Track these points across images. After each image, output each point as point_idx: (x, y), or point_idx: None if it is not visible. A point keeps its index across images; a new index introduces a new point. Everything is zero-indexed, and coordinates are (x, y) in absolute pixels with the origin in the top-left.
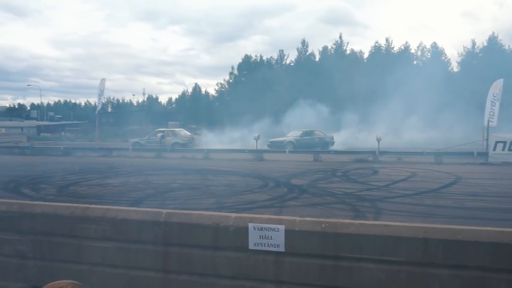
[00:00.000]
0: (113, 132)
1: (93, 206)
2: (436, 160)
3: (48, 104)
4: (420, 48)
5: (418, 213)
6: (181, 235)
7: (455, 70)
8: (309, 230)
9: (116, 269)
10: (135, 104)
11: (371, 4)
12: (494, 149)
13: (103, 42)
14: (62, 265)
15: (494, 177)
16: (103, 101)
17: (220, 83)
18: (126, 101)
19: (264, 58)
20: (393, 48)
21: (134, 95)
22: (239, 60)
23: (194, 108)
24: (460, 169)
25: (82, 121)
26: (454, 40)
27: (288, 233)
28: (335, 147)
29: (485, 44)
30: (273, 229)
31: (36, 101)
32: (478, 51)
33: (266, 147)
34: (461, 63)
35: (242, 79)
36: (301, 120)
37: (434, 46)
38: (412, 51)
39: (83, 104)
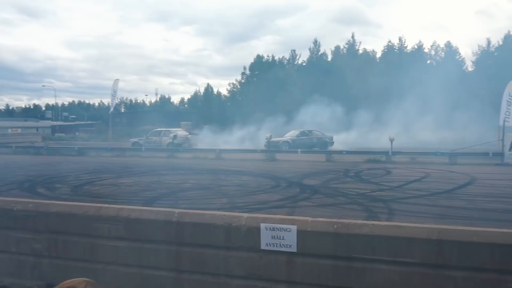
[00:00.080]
0: (126, 132)
1: (106, 205)
2: (450, 161)
3: (63, 105)
4: (434, 47)
5: (432, 214)
6: (193, 235)
7: (470, 69)
8: (321, 231)
9: (130, 268)
10: (148, 104)
11: (383, 3)
12: (510, 149)
13: (117, 43)
14: (76, 263)
15: (510, 177)
16: (117, 102)
17: (232, 83)
18: (139, 101)
19: (276, 58)
20: (406, 47)
21: (147, 95)
22: (251, 60)
23: (206, 108)
24: (475, 170)
25: (96, 121)
26: (469, 39)
27: (300, 233)
28: (335, 147)
29: (501, 43)
30: (285, 230)
31: (51, 101)
32: (493, 50)
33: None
34: (476, 62)
35: (254, 79)
36: (313, 120)
37: (448, 45)
38: (426, 50)
39: (96, 104)
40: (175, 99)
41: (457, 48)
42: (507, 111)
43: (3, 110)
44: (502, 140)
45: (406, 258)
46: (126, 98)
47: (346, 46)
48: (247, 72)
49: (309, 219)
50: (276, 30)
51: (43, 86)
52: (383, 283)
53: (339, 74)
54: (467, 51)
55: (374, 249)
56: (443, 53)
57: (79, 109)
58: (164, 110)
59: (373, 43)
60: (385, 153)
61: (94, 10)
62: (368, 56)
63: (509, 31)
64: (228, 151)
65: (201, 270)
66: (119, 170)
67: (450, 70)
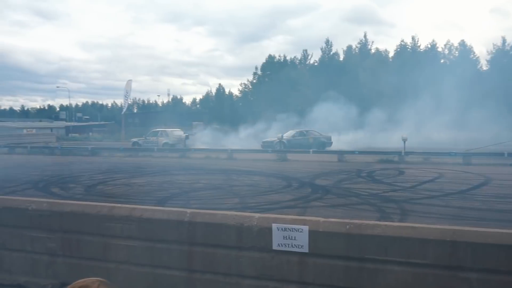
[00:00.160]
0: (139, 132)
1: (119, 205)
2: (464, 161)
3: (76, 105)
4: (448, 46)
5: (445, 215)
6: (205, 235)
7: (484, 68)
8: (333, 231)
9: (142, 268)
10: (160, 105)
11: (396, 2)
12: None
13: (129, 44)
14: (89, 262)
15: None
16: (129, 102)
17: (244, 83)
18: (151, 102)
19: (288, 58)
20: (419, 46)
21: (159, 96)
22: (262, 60)
23: (218, 108)
24: (490, 170)
25: (109, 121)
26: (483, 37)
27: (312, 234)
28: (333, 147)
29: None
30: (297, 230)
31: (65, 102)
32: (508, 48)
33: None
34: (490, 61)
35: (266, 79)
36: (325, 120)
37: (462, 44)
38: (439, 49)
39: (109, 105)
40: (187, 100)
41: (472, 47)
42: None
43: (18, 111)
44: None
45: (419, 259)
46: (139, 99)
47: (358, 45)
48: (259, 72)
49: (321, 219)
50: (288, 30)
51: (57, 87)
52: (396, 284)
53: (351, 74)
54: (481, 50)
55: (386, 250)
56: (457, 52)
57: (93, 110)
58: (176, 110)
59: (386, 43)
60: (398, 153)
61: (107, 11)
62: (380, 55)
63: None
64: (240, 151)
65: (212, 270)
66: (131, 170)
67: (464, 69)
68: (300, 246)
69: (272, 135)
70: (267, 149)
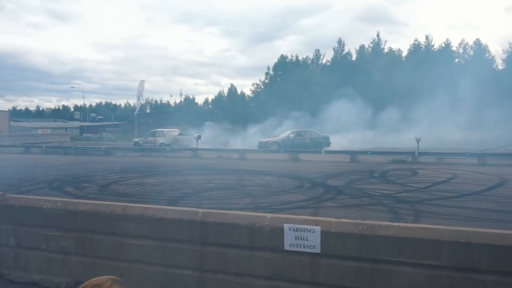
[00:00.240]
0: None
1: (132, 204)
2: (479, 161)
3: (90, 106)
4: (462, 45)
5: (460, 216)
6: (217, 235)
7: (500, 67)
8: (345, 232)
9: (154, 267)
10: (173, 105)
11: (409, 1)
12: None
13: (142, 45)
14: (103, 261)
15: None
16: (142, 102)
17: (256, 83)
18: (164, 102)
19: (300, 58)
20: (433, 45)
21: (171, 96)
22: (274, 60)
23: (230, 108)
24: (506, 171)
25: (122, 121)
26: (499, 36)
27: (324, 234)
28: (335, 147)
29: None
30: (309, 230)
31: (79, 102)
32: None
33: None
34: (506, 60)
35: (278, 79)
36: (337, 120)
37: (477, 43)
38: (454, 48)
39: (123, 105)
40: (199, 100)
41: (487, 46)
42: None
43: (34, 111)
44: None
45: (433, 261)
46: (152, 99)
47: (371, 45)
48: (271, 72)
49: (333, 220)
50: (300, 30)
51: (72, 87)
52: (409, 286)
53: (364, 74)
54: (497, 49)
55: (399, 251)
56: (472, 51)
57: (106, 110)
58: (188, 110)
59: (399, 42)
60: (411, 153)
61: (120, 12)
62: (393, 55)
63: None
64: (252, 151)
65: (224, 270)
66: (144, 170)
67: (479, 69)
68: (312, 247)
69: (272, 136)
70: (279, 150)
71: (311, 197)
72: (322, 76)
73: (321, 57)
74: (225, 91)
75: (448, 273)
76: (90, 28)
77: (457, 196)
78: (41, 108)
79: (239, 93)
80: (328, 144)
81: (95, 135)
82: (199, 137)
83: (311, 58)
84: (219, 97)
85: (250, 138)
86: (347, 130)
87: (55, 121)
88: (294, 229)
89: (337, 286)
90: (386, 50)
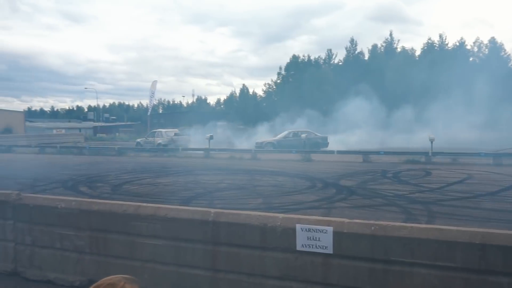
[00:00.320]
0: None
1: (144, 204)
2: (494, 162)
3: (104, 106)
4: (477, 44)
5: (474, 217)
6: (229, 235)
7: None
8: (358, 233)
9: (167, 266)
10: (185, 105)
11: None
12: None
13: (155, 46)
14: (116, 260)
15: None
16: (155, 103)
17: (268, 83)
18: (176, 102)
19: (312, 58)
20: (447, 44)
21: (184, 96)
22: (286, 60)
23: (242, 108)
24: None
25: (135, 122)
26: None
27: (337, 235)
28: (331, 147)
29: None
30: (321, 231)
31: (93, 103)
32: None
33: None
34: None
35: (290, 79)
36: (349, 119)
37: (492, 41)
38: (468, 47)
39: (135, 105)
40: (211, 100)
41: (502, 44)
42: None
43: (48, 111)
44: None
45: (447, 262)
46: (164, 99)
47: (384, 44)
48: (283, 72)
49: (346, 220)
50: (312, 29)
51: (85, 88)
52: (423, 287)
53: (377, 73)
54: None
55: (413, 252)
56: (486, 49)
57: (119, 110)
58: (200, 110)
59: (412, 41)
60: (425, 153)
61: (133, 13)
62: (407, 54)
63: None
64: (264, 152)
65: (236, 270)
66: (156, 170)
67: (494, 67)
68: (324, 247)
69: (271, 136)
70: (291, 150)
71: (323, 197)
72: (335, 76)
73: (333, 57)
74: (237, 91)
75: (462, 275)
76: (103, 29)
77: (472, 196)
78: (55, 109)
79: (251, 93)
80: (326, 144)
81: (109, 135)
82: (211, 138)
83: (323, 58)
84: (231, 97)
85: (261, 138)
86: (360, 130)
87: (69, 121)
88: (306, 229)
89: (349, 287)
90: (399, 50)
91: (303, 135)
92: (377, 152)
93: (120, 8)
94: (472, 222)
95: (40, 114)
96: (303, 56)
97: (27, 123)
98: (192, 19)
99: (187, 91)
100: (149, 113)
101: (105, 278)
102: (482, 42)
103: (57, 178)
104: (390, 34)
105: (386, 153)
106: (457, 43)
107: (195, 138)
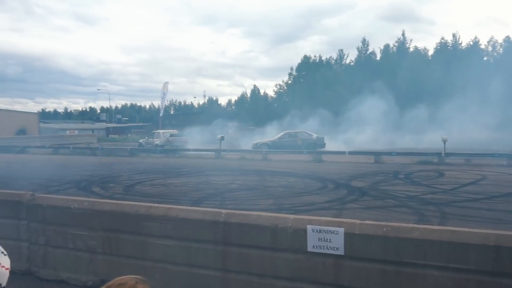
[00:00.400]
0: None
1: (156, 205)
2: (508, 162)
3: (116, 107)
4: (491, 43)
5: (488, 219)
6: (240, 235)
7: None
8: (369, 234)
9: (178, 267)
10: (196, 106)
11: None
12: None
13: (166, 47)
14: (128, 260)
15: None
16: (166, 104)
17: (279, 84)
18: (187, 103)
19: (323, 58)
20: (460, 44)
21: (195, 97)
22: (297, 61)
23: (253, 109)
24: None
25: (147, 123)
26: None
27: (348, 236)
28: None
29: None
30: (332, 232)
31: (105, 104)
32: None
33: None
34: None
35: (301, 80)
36: (361, 120)
37: (507, 40)
38: (482, 46)
39: (147, 107)
40: (223, 101)
41: None
42: None
43: (62, 112)
44: None
45: (460, 264)
46: (176, 100)
47: (396, 44)
48: (294, 73)
49: (357, 221)
50: (323, 30)
51: (98, 89)
52: None
53: (389, 73)
54: None
55: (425, 254)
56: (501, 49)
57: (131, 111)
58: (212, 111)
59: (425, 41)
60: (438, 154)
61: (145, 15)
62: (419, 54)
63: None
64: (274, 152)
65: (247, 271)
66: (168, 170)
67: (509, 67)
68: (335, 248)
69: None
70: (302, 150)
71: (334, 198)
72: (346, 76)
73: (345, 57)
74: (248, 92)
75: (476, 277)
76: (115, 30)
77: (486, 198)
78: (69, 110)
79: (262, 94)
80: (323, 145)
81: (121, 136)
82: (222, 138)
83: (335, 58)
84: (242, 98)
85: (257, 139)
86: (371, 130)
87: (82, 122)
88: (317, 230)
89: None
90: (411, 49)
91: (299, 136)
92: (389, 153)
93: (131, 10)
94: (486, 223)
95: (54, 115)
96: (315, 56)
97: (41, 124)
98: (203, 20)
99: (198, 92)
100: (161, 114)
101: (117, 278)
102: (496, 41)
103: (71, 179)
104: (403, 34)
105: (398, 153)
106: (471, 43)
107: (201, 139)
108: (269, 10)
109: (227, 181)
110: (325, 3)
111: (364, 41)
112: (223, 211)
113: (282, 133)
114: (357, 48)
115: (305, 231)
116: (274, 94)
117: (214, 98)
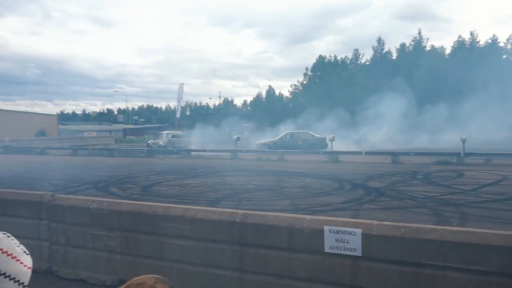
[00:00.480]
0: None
1: (173, 205)
2: None
3: (133, 109)
4: (510, 41)
5: (510, 220)
6: (256, 236)
7: None
8: (387, 235)
9: (195, 267)
10: (212, 107)
11: None
12: None
13: (181, 49)
14: (146, 260)
15: None
16: (182, 105)
17: (294, 84)
18: (203, 104)
19: (339, 58)
20: (478, 42)
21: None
22: (313, 61)
23: (268, 110)
24: None
25: (163, 124)
26: None
27: (365, 237)
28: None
29: None
30: (350, 233)
31: (122, 106)
32: None
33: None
34: None
35: (316, 80)
36: (377, 119)
37: None
38: (501, 44)
39: (164, 108)
40: (238, 102)
41: None
42: None
43: (80, 114)
44: None
45: (481, 266)
46: (191, 101)
47: (412, 43)
48: (309, 73)
49: (375, 222)
50: (338, 29)
51: (115, 91)
52: None
53: (405, 72)
54: None
55: (445, 255)
56: None
57: (148, 113)
58: (227, 112)
59: (442, 39)
60: (457, 154)
61: (160, 17)
62: (436, 52)
63: None
64: (290, 153)
65: (264, 271)
66: (184, 171)
67: None
68: (353, 249)
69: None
70: (318, 151)
71: (351, 199)
72: (362, 75)
73: (360, 56)
74: (263, 92)
75: (498, 280)
76: (132, 33)
77: (507, 198)
78: (87, 112)
79: (277, 94)
80: (325, 146)
81: (138, 137)
82: (238, 139)
83: (350, 58)
84: (258, 98)
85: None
86: (388, 130)
87: (100, 124)
88: (334, 231)
89: None
90: (428, 48)
91: (300, 136)
92: (407, 153)
93: (147, 12)
94: (507, 225)
95: (72, 117)
96: (330, 56)
97: (60, 126)
98: (218, 21)
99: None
100: (178, 116)
101: (136, 278)
102: None
103: (89, 180)
104: (419, 33)
105: (416, 153)
106: (489, 41)
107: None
108: (284, 10)
109: (243, 181)
110: (340, 3)
111: (379, 40)
112: (240, 211)
113: (283, 134)
114: (373, 48)
115: (322, 231)
116: (290, 95)
117: (230, 99)
